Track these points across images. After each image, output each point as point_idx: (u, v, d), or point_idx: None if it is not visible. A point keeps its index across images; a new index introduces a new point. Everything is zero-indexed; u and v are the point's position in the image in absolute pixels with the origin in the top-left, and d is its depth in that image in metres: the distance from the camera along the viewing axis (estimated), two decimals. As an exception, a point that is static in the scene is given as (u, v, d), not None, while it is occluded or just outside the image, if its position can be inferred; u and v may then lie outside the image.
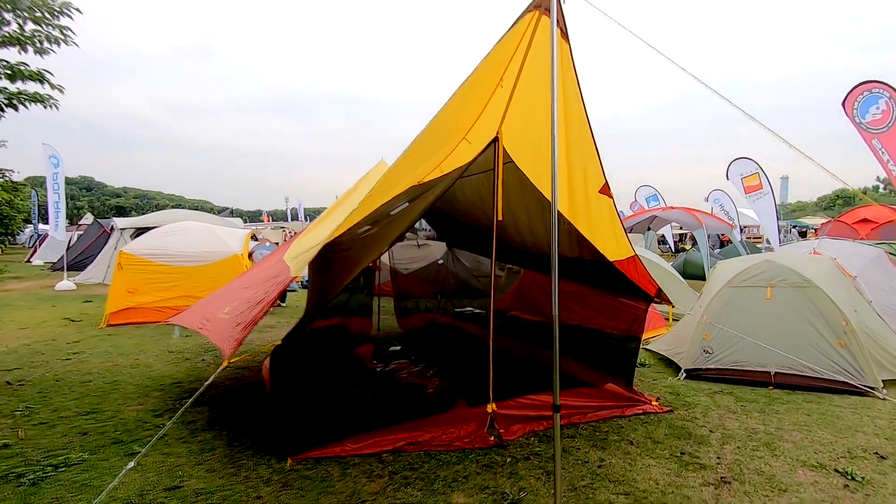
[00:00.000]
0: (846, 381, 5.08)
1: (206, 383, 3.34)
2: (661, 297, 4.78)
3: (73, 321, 9.75)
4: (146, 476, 3.58)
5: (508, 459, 3.79)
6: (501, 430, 4.25)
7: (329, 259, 4.22)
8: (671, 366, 6.23)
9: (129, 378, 5.94)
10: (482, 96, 3.51)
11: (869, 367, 5.08)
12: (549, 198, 4.00)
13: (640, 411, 4.62)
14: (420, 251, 13.19)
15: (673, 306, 4.86)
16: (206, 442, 4.13)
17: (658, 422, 4.45)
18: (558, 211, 4.10)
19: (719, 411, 4.70)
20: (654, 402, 4.77)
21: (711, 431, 4.25)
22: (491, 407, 4.35)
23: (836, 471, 3.57)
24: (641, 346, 7.22)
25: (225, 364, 3.42)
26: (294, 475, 3.57)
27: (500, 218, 3.88)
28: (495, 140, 3.68)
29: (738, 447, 3.96)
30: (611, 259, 4.52)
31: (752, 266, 5.93)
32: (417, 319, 8.60)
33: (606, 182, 3.74)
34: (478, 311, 9.13)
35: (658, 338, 7.34)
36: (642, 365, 6.37)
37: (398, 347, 6.13)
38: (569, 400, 4.54)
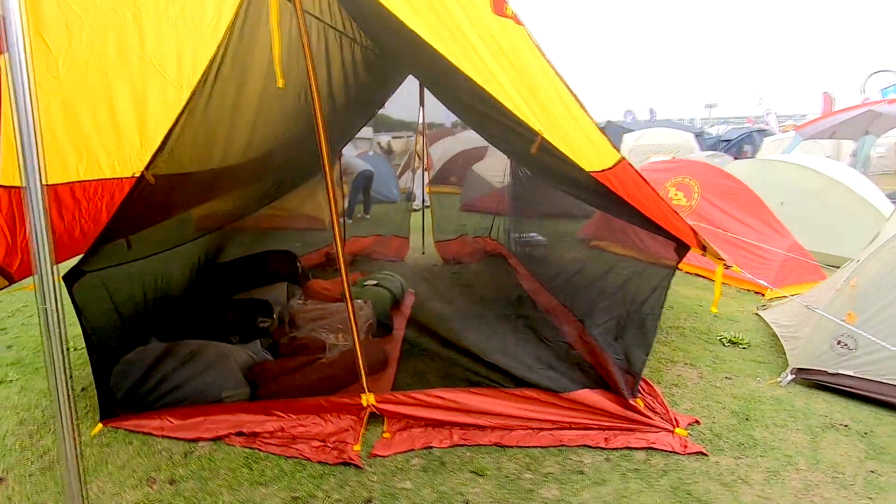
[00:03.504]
0: None
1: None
2: (698, 244, 2.50)
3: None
4: (-43, 417, 3.09)
5: (327, 499, 2.34)
6: (387, 434, 2.77)
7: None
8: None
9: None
10: None
11: None
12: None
13: (641, 444, 2.61)
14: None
15: (726, 265, 2.50)
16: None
17: (662, 474, 2.44)
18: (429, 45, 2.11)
19: (815, 473, 2.42)
20: (675, 430, 2.68)
21: (757, 526, 2.12)
22: (367, 399, 2.84)
23: None
24: (757, 309, 4.67)
25: None
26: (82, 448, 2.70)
27: (280, 84, 2.09)
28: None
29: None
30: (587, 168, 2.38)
31: None
32: (460, 245, 7.04)
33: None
34: (539, 239, 7.13)
35: (789, 301, 4.61)
36: (733, 344, 3.98)
37: (374, 283, 4.80)
38: (515, 406, 2.76)
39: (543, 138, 2.23)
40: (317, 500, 2.33)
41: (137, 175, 2.88)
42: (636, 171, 2.39)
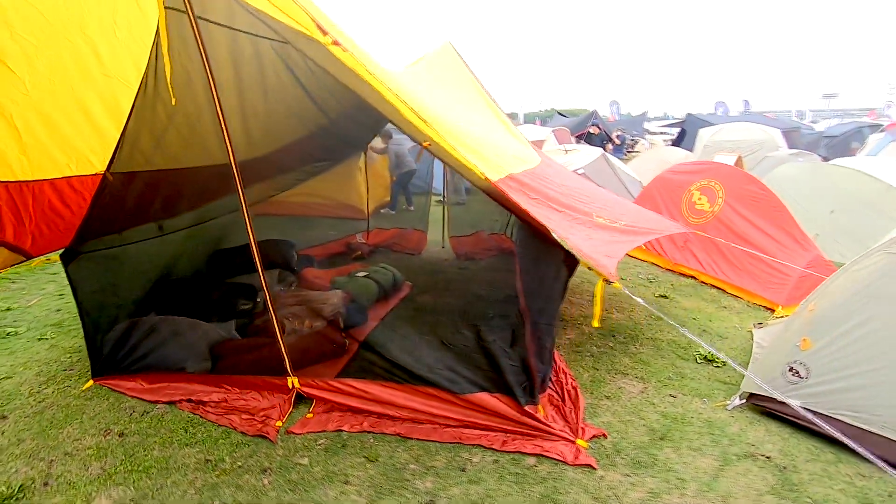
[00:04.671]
0: None
1: None
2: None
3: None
4: (-5, 364, 3.80)
5: (231, 465, 2.64)
6: (310, 415, 3.04)
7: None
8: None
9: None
10: None
11: None
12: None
13: (535, 451, 2.64)
14: (566, 158, 11.04)
15: (608, 281, 2.43)
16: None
17: (540, 481, 2.47)
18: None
19: (699, 500, 2.33)
20: (577, 441, 2.67)
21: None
22: (292, 382, 3.11)
23: None
24: (753, 327, 4.34)
25: None
26: (70, 399, 3.26)
27: (174, 102, 2.34)
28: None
29: None
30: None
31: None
32: (474, 241, 7.12)
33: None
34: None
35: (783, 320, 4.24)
36: (708, 361, 3.79)
37: (364, 274, 5.07)
38: (421, 402, 2.90)
39: (428, 148, 2.34)
40: (224, 464, 2.66)
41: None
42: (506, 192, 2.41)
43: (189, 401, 3.19)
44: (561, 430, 2.72)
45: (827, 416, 2.77)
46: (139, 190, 3.08)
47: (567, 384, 3.25)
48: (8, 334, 4.38)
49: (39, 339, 4.27)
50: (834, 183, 6.33)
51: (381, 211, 9.24)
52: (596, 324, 2.54)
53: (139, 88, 2.60)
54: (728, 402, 3.16)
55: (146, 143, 2.84)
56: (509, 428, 2.76)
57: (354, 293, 4.66)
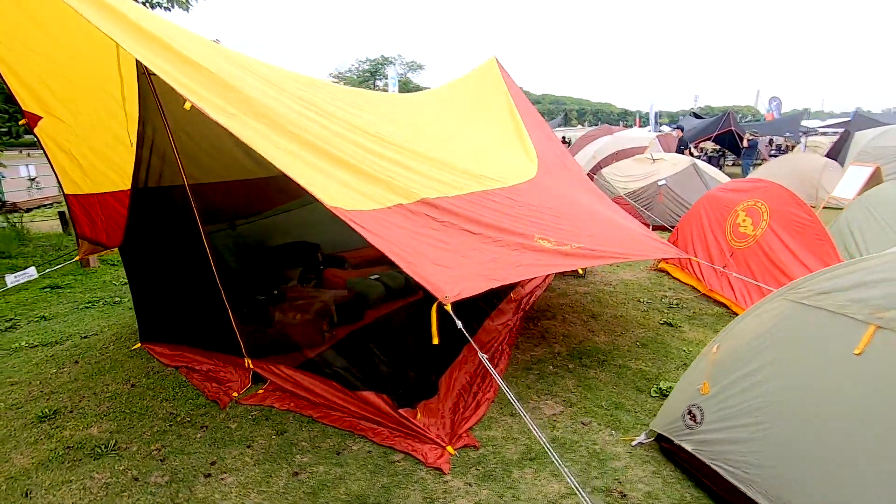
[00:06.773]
0: None
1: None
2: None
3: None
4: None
5: (184, 419, 3.38)
6: (261, 391, 3.69)
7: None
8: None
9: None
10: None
11: None
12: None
13: (405, 449, 2.93)
14: (652, 167, 10.45)
15: (443, 305, 2.55)
16: (157, 314, 5.39)
17: (391, 475, 2.76)
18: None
19: (519, 519, 2.43)
20: (447, 447, 2.89)
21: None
22: (248, 362, 3.77)
23: None
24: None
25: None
26: (121, 355, 4.39)
27: (132, 145, 3.03)
28: None
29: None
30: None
31: (879, 260, 2.21)
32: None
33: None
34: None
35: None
36: (664, 396, 3.63)
37: (376, 277, 5.63)
38: (331, 392, 3.36)
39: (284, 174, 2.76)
40: (179, 418, 3.43)
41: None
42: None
43: (187, 367, 4.08)
44: (435, 436, 2.97)
45: (708, 465, 2.61)
46: (165, 199, 4.06)
47: (482, 396, 3.44)
48: (115, 302, 5.86)
49: (130, 308, 5.62)
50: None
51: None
52: (436, 341, 2.71)
53: (138, 130, 3.51)
54: (635, 441, 3.07)
55: (157, 163, 3.80)
56: (393, 426, 3.09)
57: (360, 293, 5.27)
